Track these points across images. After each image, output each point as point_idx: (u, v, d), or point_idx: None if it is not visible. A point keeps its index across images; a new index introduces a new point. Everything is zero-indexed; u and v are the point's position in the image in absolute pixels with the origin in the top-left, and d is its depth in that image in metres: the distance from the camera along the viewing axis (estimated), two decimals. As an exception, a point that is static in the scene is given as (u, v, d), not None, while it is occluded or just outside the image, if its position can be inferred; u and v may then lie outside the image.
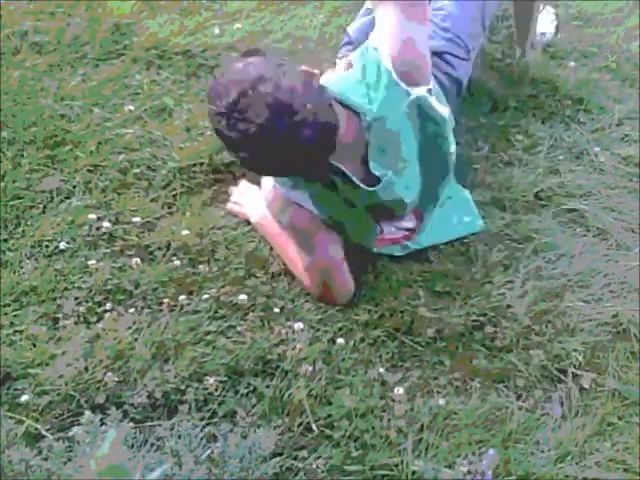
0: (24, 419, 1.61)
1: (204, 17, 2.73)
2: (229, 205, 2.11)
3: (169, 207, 2.11)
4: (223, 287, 1.90)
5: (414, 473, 1.57)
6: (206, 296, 1.88)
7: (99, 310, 1.84)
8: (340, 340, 1.81)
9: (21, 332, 1.79)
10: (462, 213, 2.08)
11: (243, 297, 1.87)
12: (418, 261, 1.99)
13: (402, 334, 1.84)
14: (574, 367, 1.78)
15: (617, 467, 1.61)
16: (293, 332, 1.81)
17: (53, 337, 1.78)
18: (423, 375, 1.76)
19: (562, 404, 1.72)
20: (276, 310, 1.86)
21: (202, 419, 1.63)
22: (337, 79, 1.88)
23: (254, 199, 2.06)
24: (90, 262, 1.94)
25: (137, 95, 2.42)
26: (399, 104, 1.83)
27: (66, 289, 1.88)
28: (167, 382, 1.69)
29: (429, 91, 1.86)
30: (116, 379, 1.69)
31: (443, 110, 1.89)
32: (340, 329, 1.84)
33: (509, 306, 1.89)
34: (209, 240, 2.01)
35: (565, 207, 2.16)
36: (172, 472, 1.46)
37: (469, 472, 1.56)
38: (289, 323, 1.83)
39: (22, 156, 2.19)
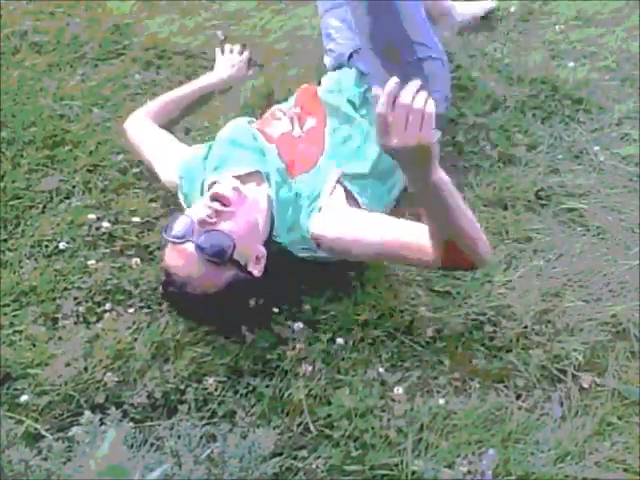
0: (24, 419, 1.62)
1: (204, 17, 2.73)
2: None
3: (168, 207, 2.10)
4: (223, 287, 1.90)
5: (414, 473, 1.57)
6: (206, 296, 1.88)
7: (99, 310, 1.85)
8: (340, 340, 1.80)
9: (21, 332, 1.79)
10: None
11: (243, 297, 1.87)
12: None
13: (402, 334, 1.84)
14: (574, 367, 1.78)
15: (617, 467, 1.61)
16: (293, 332, 1.81)
17: (53, 337, 1.78)
18: (423, 375, 1.76)
19: (562, 404, 1.72)
20: (276, 310, 1.86)
21: (202, 419, 1.63)
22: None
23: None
24: (90, 262, 1.94)
25: (136, 95, 2.42)
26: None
27: (66, 289, 1.88)
28: (167, 382, 1.69)
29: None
30: (116, 379, 1.69)
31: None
32: (340, 329, 1.83)
33: (509, 306, 1.89)
34: (209, 240, 2.01)
35: (565, 206, 2.15)
36: (172, 472, 1.46)
37: (469, 472, 1.56)
38: (289, 323, 1.83)
39: (21, 156, 2.20)
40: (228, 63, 2.51)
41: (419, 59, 2.08)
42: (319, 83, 2.29)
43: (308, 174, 1.89)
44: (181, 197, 1.99)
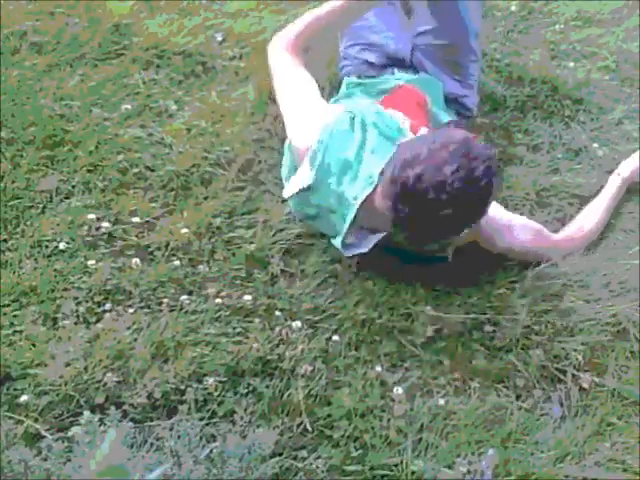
0: (24, 419, 1.61)
1: (203, 17, 2.73)
2: None
3: (168, 207, 2.11)
4: (223, 287, 1.90)
5: (414, 473, 1.57)
6: (206, 296, 1.88)
7: (99, 310, 1.84)
8: (339, 339, 1.80)
9: (21, 332, 1.79)
10: None
11: (243, 297, 1.87)
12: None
13: (401, 333, 1.84)
14: (574, 367, 1.78)
15: (617, 467, 1.61)
16: (292, 332, 1.81)
17: (52, 337, 1.78)
18: (422, 375, 1.76)
19: (562, 404, 1.72)
20: (276, 310, 1.86)
21: (201, 419, 1.63)
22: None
23: None
24: (89, 262, 1.94)
25: (136, 95, 2.42)
26: None
27: (65, 289, 1.88)
28: (167, 382, 1.69)
29: None
30: (116, 379, 1.69)
31: None
32: (339, 328, 1.84)
33: (509, 306, 1.89)
34: (208, 240, 2.02)
35: (565, 206, 2.16)
36: (171, 472, 1.46)
37: (469, 472, 1.56)
38: (288, 323, 1.83)
39: (21, 156, 2.19)
40: None
41: (472, 61, 2.30)
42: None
43: None
44: (307, 159, 1.88)
